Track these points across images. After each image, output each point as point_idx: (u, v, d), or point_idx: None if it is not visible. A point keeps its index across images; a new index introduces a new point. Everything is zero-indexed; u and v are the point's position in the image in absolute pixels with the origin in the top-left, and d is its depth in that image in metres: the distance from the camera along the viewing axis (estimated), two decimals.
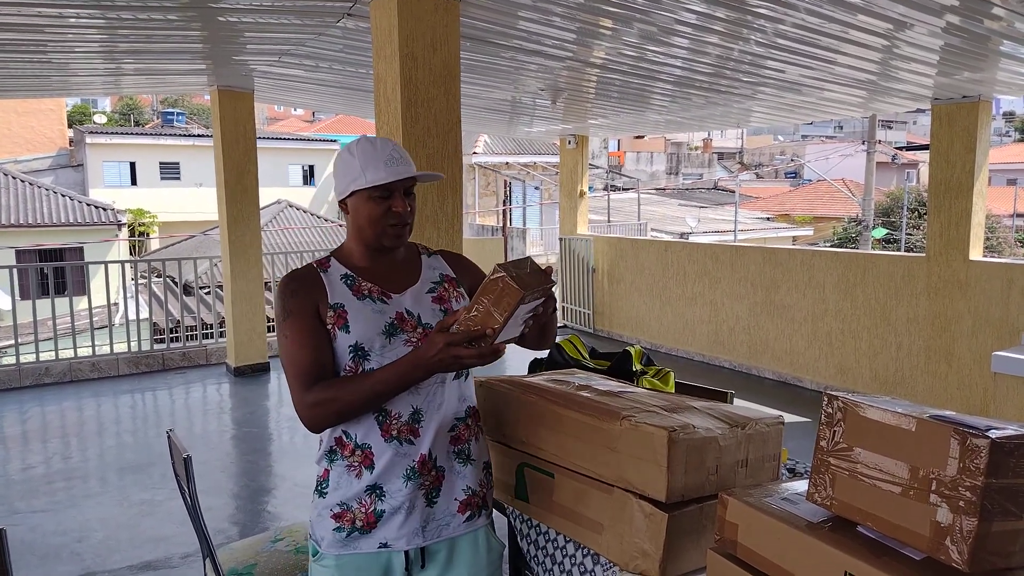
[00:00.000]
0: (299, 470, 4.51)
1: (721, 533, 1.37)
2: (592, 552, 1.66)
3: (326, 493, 1.57)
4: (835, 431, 1.24)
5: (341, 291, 1.56)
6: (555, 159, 18.67)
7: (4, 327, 10.35)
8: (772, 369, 6.66)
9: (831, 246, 19.88)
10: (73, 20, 4.09)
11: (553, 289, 1.46)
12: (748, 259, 6.87)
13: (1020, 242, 22.30)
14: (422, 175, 1.61)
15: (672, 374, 2.69)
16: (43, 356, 6.81)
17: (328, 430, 1.55)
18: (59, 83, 6.46)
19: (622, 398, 1.70)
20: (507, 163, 21.14)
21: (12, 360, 6.69)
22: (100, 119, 32.38)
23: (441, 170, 3.49)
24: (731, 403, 2.80)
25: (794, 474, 2.15)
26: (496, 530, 1.71)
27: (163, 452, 4.96)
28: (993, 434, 1.04)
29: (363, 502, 1.54)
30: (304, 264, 1.65)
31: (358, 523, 1.54)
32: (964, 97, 5.27)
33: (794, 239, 21.84)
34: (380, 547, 1.54)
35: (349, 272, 1.60)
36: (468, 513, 1.61)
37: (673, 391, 2.68)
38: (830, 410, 1.26)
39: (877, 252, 6.13)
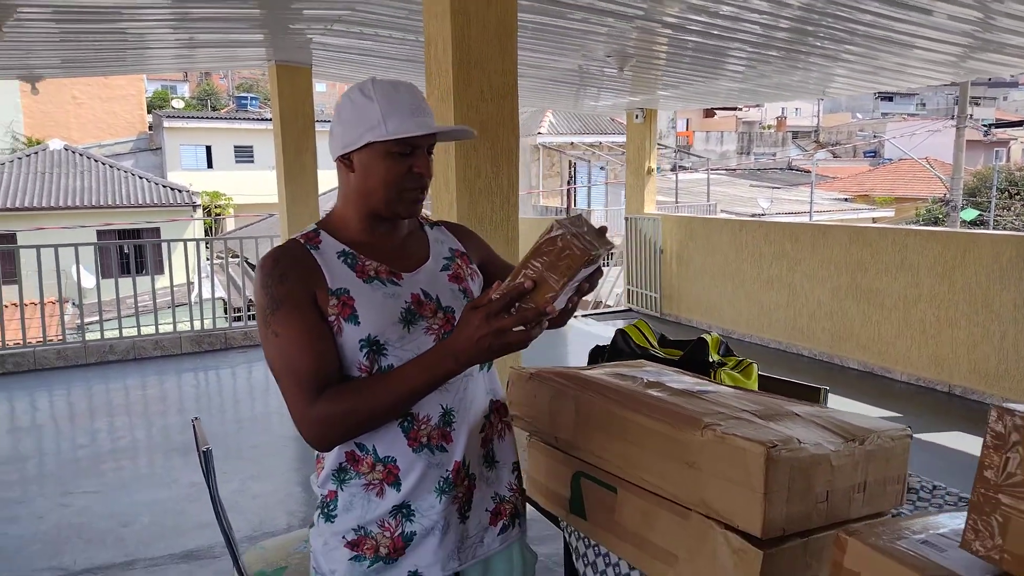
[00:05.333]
0: None
1: None
2: None
3: (335, 517, 1.30)
4: (1008, 458, 0.91)
5: (342, 273, 1.27)
6: (621, 138, 18.16)
7: (88, 304, 10.65)
8: (857, 359, 6.15)
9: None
10: None
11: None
12: (832, 239, 6.34)
13: None
14: (452, 130, 1.38)
15: (755, 366, 2.34)
16: (108, 334, 6.87)
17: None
18: (135, 57, 6.46)
19: (703, 400, 1.38)
20: (572, 143, 20.71)
21: (96, 336, 6.77)
22: (178, 104, 33.38)
23: (497, 138, 3.20)
24: (825, 401, 2.44)
25: (909, 491, 1.79)
26: (550, 543, 1.43)
27: (215, 434, 4.87)
28: None
29: (387, 525, 1.28)
30: (288, 240, 1.34)
31: (383, 550, 1.28)
32: None
33: (873, 220, 20.74)
34: (410, 574, 1.30)
35: (347, 248, 1.30)
36: (501, 525, 1.40)
37: (756, 386, 2.34)
38: (1001, 428, 0.92)
39: (979, 231, 5.56)
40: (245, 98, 34.99)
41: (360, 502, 1.28)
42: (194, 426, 2.19)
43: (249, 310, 8.28)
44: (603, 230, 1.19)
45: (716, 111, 40.18)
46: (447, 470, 1.29)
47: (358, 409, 1.20)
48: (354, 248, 1.30)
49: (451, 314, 1.32)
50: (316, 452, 1.33)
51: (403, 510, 1.27)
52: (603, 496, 1.46)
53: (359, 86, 1.28)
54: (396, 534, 1.28)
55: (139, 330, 6.87)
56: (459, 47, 3.09)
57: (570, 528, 1.65)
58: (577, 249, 1.11)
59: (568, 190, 20.60)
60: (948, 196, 17.12)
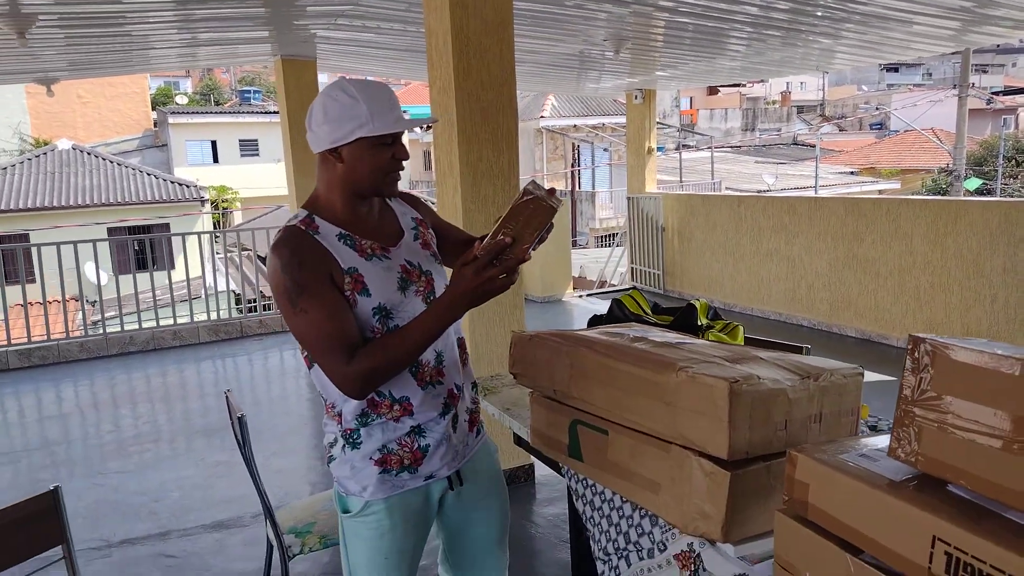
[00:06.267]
0: None
1: (790, 493, 1.23)
2: (650, 513, 1.55)
3: (359, 444, 1.55)
4: (921, 378, 1.08)
5: (346, 254, 1.50)
6: (623, 119, 18.25)
7: (106, 300, 10.89)
8: (855, 326, 6.31)
9: None
10: None
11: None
12: (828, 211, 6.49)
13: None
14: (423, 120, 1.66)
15: (741, 328, 2.51)
16: (128, 326, 7.08)
17: None
18: (139, 58, 6.61)
19: (680, 349, 1.56)
20: (575, 125, 20.76)
21: (116, 328, 6.97)
22: (181, 100, 33.47)
23: (496, 123, 3.37)
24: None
25: (876, 431, 1.97)
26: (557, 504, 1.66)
27: None
28: None
29: (404, 443, 1.56)
30: (287, 227, 1.50)
31: (406, 461, 1.56)
32: None
33: (879, 193, 20.75)
34: (427, 480, 1.60)
35: (343, 231, 1.52)
36: (476, 429, 1.73)
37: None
38: (916, 354, 1.09)
39: (969, 199, 5.69)
40: (248, 91, 35.02)
41: (378, 430, 1.55)
42: (227, 397, 2.40)
43: (264, 301, 8.50)
44: (552, 190, 1.42)
45: (720, 88, 39.95)
46: (444, 397, 1.60)
47: (388, 363, 1.44)
48: (347, 229, 1.53)
49: (430, 276, 1.61)
50: (325, 398, 1.57)
51: (416, 429, 1.57)
52: (596, 439, 1.65)
53: (339, 86, 1.47)
54: (414, 448, 1.57)
55: (158, 321, 7.09)
56: (458, 38, 3.26)
57: (570, 472, 1.84)
58: (546, 208, 1.36)
59: (572, 172, 20.70)
60: (951, 165, 17.12)
